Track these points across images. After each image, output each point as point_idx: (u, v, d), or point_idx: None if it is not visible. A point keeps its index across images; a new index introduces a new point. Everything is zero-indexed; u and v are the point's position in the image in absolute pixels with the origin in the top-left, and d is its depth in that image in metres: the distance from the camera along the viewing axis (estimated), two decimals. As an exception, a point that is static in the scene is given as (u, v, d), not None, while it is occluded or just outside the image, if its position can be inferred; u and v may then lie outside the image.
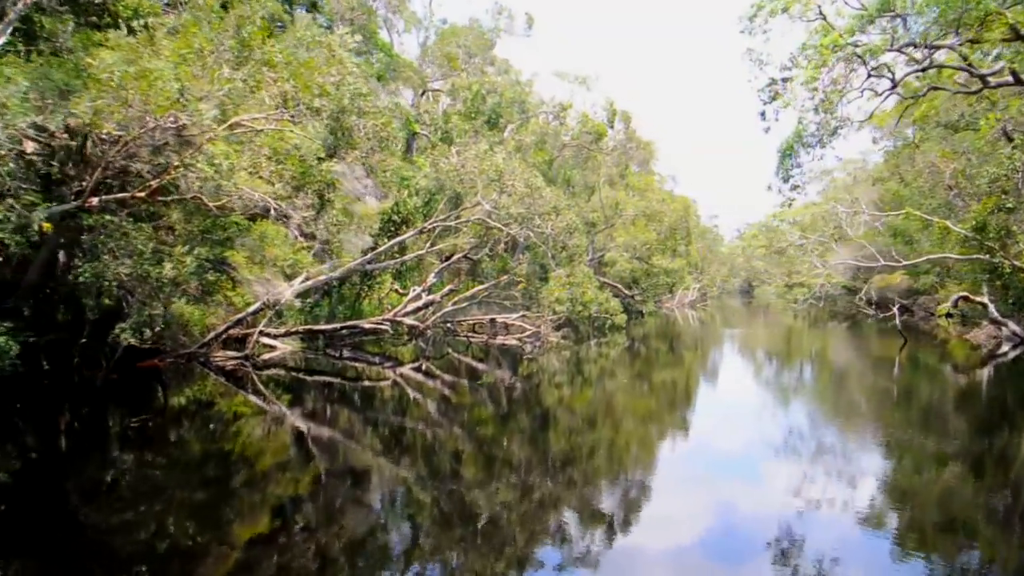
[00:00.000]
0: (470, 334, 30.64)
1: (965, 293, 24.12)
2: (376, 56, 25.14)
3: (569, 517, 7.97)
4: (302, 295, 25.53)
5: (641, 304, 44.38)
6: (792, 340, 34.90)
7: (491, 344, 27.08)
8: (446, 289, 24.66)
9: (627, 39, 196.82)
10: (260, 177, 14.01)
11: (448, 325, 29.38)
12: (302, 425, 12.64)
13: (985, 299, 23.81)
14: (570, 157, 36.17)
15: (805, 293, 54.39)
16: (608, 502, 8.37)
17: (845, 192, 73.49)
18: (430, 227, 21.12)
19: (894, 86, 15.47)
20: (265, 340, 22.20)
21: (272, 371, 19.30)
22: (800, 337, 37.01)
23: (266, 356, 21.32)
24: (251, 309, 20.28)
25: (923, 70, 15.55)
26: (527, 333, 27.08)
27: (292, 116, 12.78)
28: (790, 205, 19.27)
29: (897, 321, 25.66)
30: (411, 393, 16.78)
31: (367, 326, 21.55)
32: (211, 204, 14.24)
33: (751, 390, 18.09)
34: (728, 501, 8.45)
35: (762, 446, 11.40)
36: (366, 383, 18.59)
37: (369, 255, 20.86)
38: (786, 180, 17.42)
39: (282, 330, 22.38)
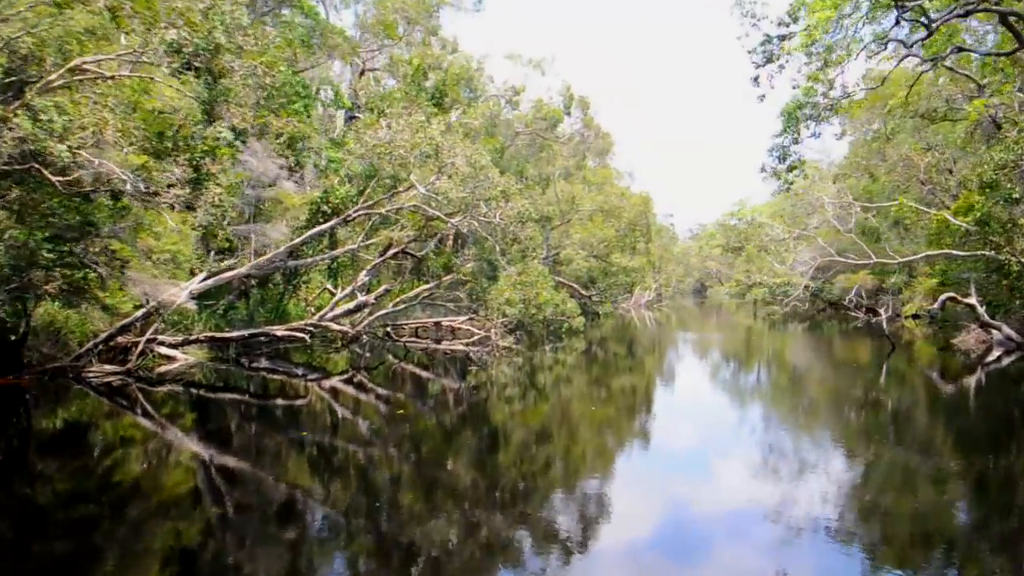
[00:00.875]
0: (413, 339, 27.55)
1: (952, 294, 22.05)
2: (299, 20, 21.77)
3: (520, 550, 6.79)
4: (212, 296, 22.04)
5: (599, 305, 41.81)
6: (759, 345, 32.70)
7: (436, 350, 24.12)
8: (381, 289, 21.45)
9: (582, 33, 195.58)
10: (120, 142, 10.59)
11: (388, 329, 26.22)
12: (202, 452, 10.35)
13: (973, 300, 21.80)
14: (524, 147, 33.36)
15: (765, 293, 52.86)
16: (564, 530, 7.27)
17: (802, 192, 73.00)
18: (356, 216, 17.85)
19: (929, 34, 13.06)
20: (162, 350, 18.71)
21: (169, 387, 16.05)
22: (766, 341, 34.90)
23: (164, 369, 17.97)
24: (138, 314, 16.76)
25: (966, 15, 13.16)
26: (476, 338, 24.12)
27: (149, 59, 9.46)
28: (788, 188, 16.89)
29: (884, 325, 23.50)
30: (339, 411, 14.11)
31: (281, 333, 18.20)
32: (53, 177, 10.78)
33: (730, 412, 15.43)
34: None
35: (752, 482, 8.80)
36: (281, 401, 15.46)
37: (283, 248, 17.51)
38: (783, 159, 14.90)
39: (180, 338, 18.86)
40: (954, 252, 19.60)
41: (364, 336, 24.32)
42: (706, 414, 14.49)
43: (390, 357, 22.89)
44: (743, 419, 14.13)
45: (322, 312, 20.53)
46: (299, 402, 15.53)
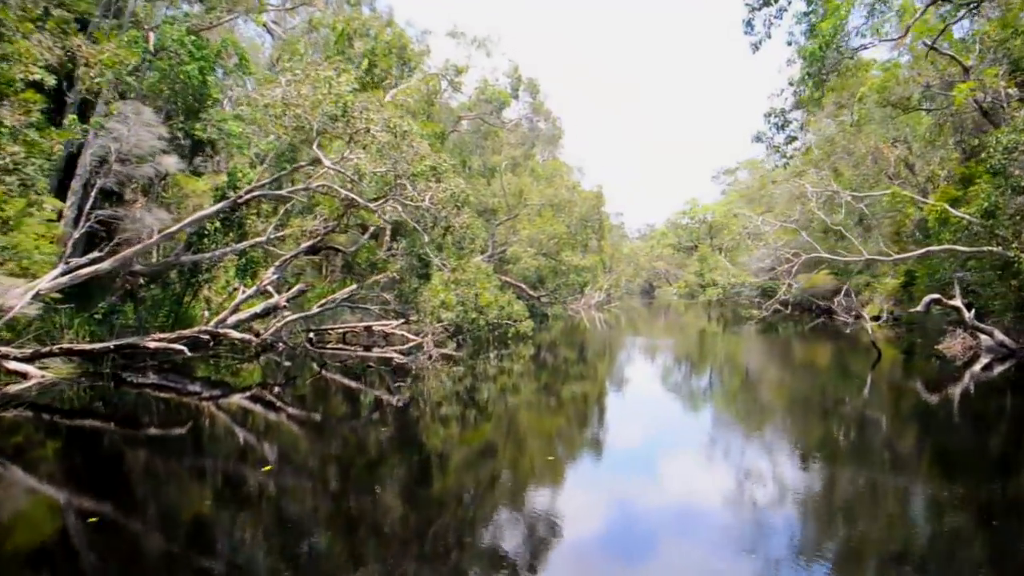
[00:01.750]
0: (340, 346, 24.19)
1: (937, 295, 19.93)
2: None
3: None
4: (88, 298, 18.29)
5: (548, 306, 38.98)
6: (724, 352, 30.38)
7: (367, 359, 20.91)
8: (294, 290, 18.03)
9: (529, 24, 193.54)
10: None
11: (310, 336, 22.83)
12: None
13: (959, 302, 19.74)
14: (468, 136, 30.30)
15: (719, 293, 51.11)
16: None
17: (751, 192, 72.10)
18: (248, 198, 14.43)
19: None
20: (11, 365, 15.06)
21: (15, 412, 12.71)
22: (728, 346, 32.64)
23: (16, 388, 14.47)
24: (-37, 320, 13.12)
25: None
26: (411, 345, 20.93)
27: None
28: (786, 165, 14.43)
29: (869, 328, 21.25)
30: (231, 440, 11.37)
31: (153, 345, 14.63)
32: None
33: (707, 441, 12.66)
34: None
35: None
36: (155, 430, 12.19)
37: (157, 237, 13.97)
38: (782, 127, 12.32)
39: (31, 351, 15.20)
40: (958, 248, 17.41)
41: (281, 344, 20.92)
42: (678, 461, 11.71)
43: (315, 366, 19.75)
44: (734, 469, 11.40)
45: (220, 316, 17.02)
46: (177, 431, 12.24)
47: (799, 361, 24.44)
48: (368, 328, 23.48)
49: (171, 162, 14.73)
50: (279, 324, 17.62)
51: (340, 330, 24.65)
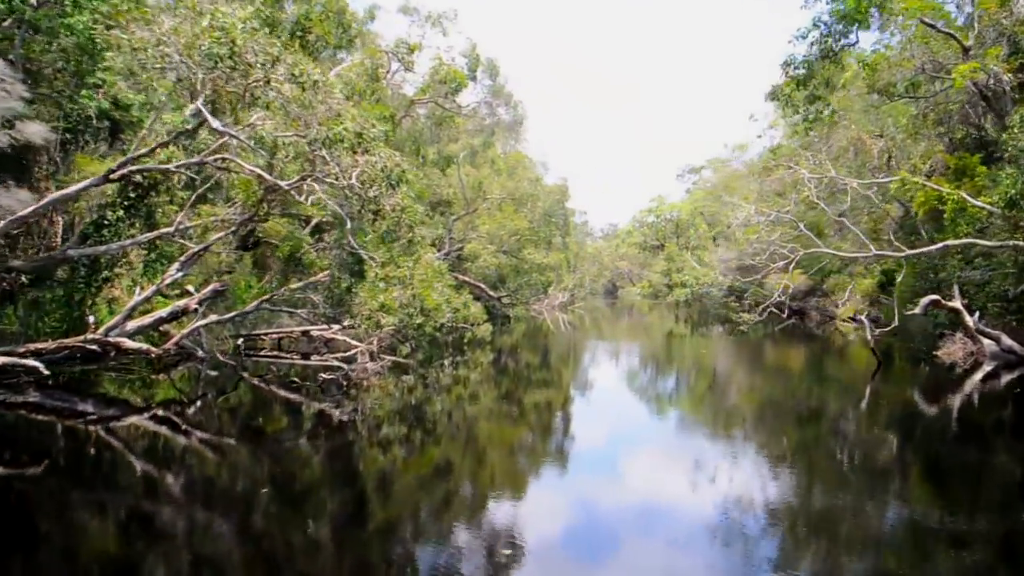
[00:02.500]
0: (276, 354, 21.44)
1: (936, 296, 18.01)
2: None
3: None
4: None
5: (510, 307, 36.50)
6: (694, 355, 28.30)
7: (305, 367, 18.29)
8: (208, 290, 15.20)
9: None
10: None
11: (239, 343, 20.01)
12: None
13: (958, 303, 17.87)
14: (422, 124, 27.62)
15: (687, 293, 49.31)
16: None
17: (717, 190, 70.79)
18: (121, 173, 11.59)
19: None
20: None
21: None
22: (702, 350, 30.61)
23: None
24: None
25: None
26: (355, 351, 18.28)
27: None
28: (808, 130, 12.18)
29: (869, 333, 19.05)
30: (121, 470, 9.44)
31: (2, 361, 11.68)
32: None
33: (700, 490, 10.30)
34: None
35: None
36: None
37: (13, 218, 11.05)
38: (802, 83, 10.02)
39: None
40: (980, 241, 15.48)
41: (202, 352, 18.07)
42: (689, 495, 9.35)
43: (247, 377, 17.00)
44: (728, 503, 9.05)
45: (112, 323, 14.12)
46: (32, 471, 9.67)
47: (784, 369, 22.39)
48: (306, 333, 20.68)
49: (36, 131, 11.79)
50: (187, 331, 14.74)
51: (275, 335, 21.85)
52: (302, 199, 11.56)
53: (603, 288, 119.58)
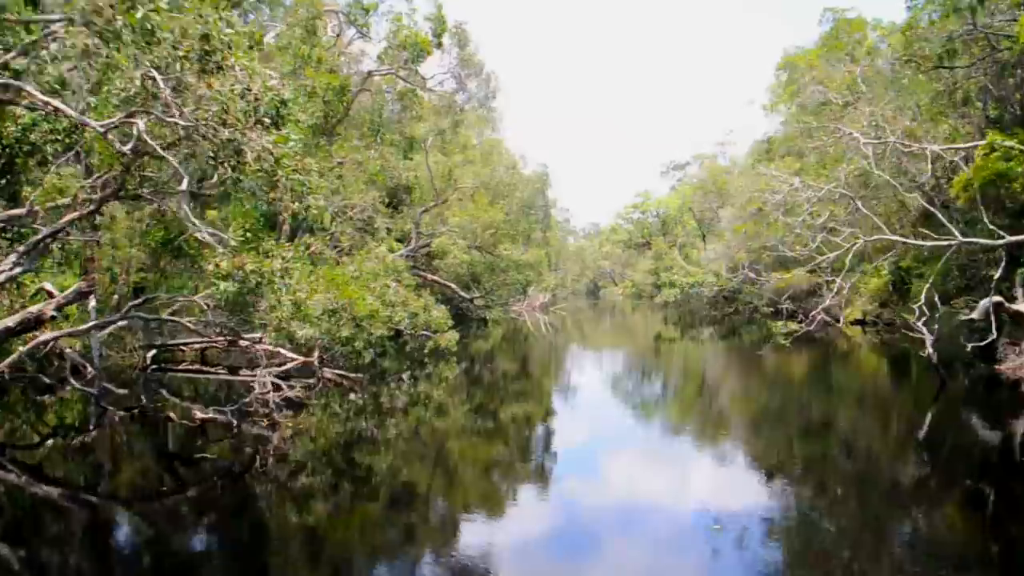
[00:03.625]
0: (199, 368, 17.89)
1: (999, 298, 14.78)
2: None
3: None
4: None
5: (486, 310, 32.95)
6: (694, 365, 24.98)
7: (238, 384, 14.81)
8: (69, 292, 11.51)
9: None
10: None
11: (150, 356, 16.49)
12: None
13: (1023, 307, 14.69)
14: (381, 100, 23.98)
15: (676, 293, 46.14)
16: None
17: (706, 185, 67.79)
18: None
19: None
20: None
21: None
22: (695, 360, 27.28)
23: None
24: None
25: None
26: (293, 364, 14.75)
27: None
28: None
29: (929, 344, 14.77)
30: None
31: None
32: None
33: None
34: None
35: None
36: None
37: None
38: None
39: None
40: None
41: (93, 369, 14.43)
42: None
43: (164, 393, 14.05)
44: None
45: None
46: None
47: (812, 386, 18.97)
48: (232, 343, 17.00)
49: None
50: (32, 345, 11.06)
51: (198, 346, 18.21)
52: (176, 159, 7.92)
53: (585, 288, 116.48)
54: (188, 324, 12.29)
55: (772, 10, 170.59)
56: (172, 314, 13.79)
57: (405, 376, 18.28)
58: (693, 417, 14.74)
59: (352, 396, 15.16)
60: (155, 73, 6.48)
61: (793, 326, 15.29)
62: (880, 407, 15.36)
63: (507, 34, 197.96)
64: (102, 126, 7.09)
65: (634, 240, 70.84)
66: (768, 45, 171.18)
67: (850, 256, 15.80)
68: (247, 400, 12.72)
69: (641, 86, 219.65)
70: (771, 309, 43.12)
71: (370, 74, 23.29)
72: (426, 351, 18.22)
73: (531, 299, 55.67)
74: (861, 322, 32.13)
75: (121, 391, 13.53)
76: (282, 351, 14.98)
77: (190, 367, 18.05)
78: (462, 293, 29.42)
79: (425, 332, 18.26)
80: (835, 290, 15.67)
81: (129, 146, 7.46)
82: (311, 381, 15.53)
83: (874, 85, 26.22)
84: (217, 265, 9.16)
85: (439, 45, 22.04)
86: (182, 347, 18.42)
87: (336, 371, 16.39)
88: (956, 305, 20.84)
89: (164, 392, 14.68)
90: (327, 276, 12.48)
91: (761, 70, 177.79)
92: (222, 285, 9.33)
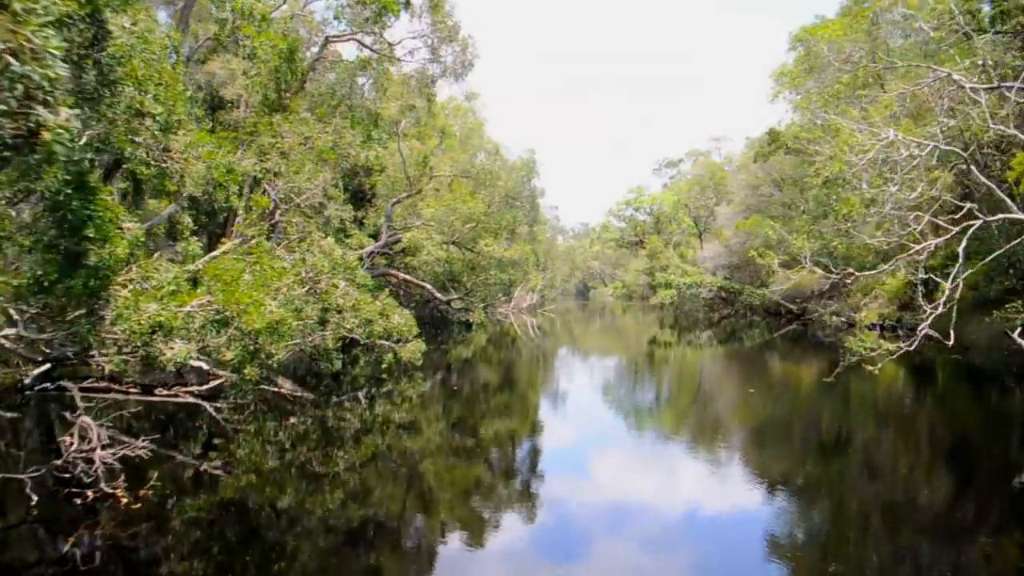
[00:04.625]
0: (109, 386, 14.64)
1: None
2: None
3: None
4: None
5: (466, 312, 29.80)
6: (707, 380, 21.95)
7: (152, 405, 11.70)
8: None
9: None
10: None
11: (45, 369, 13.17)
12: None
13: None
14: (344, 70, 20.73)
15: (673, 294, 43.16)
16: None
17: (700, 180, 64.89)
18: None
19: None
20: None
21: None
22: (703, 368, 24.22)
23: None
24: None
25: None
26: (214, 384, 11.61)
27: None
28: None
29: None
30: None
31: None
32: None
33: None
34: None
35: None
36: None
37: None
38: None
39: None
40: None
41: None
42: None
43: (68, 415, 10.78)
44: None
45: None
46: None
47: (875, 411, 15.91)
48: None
49: None
50: None
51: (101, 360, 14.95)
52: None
53: (575, 289, 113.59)
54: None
55: (767, 9, 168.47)
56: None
57: (362, 394, 15.14)
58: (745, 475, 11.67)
59: (292, 420, 12.08)
60: None
61: (887, 345, 11.58)
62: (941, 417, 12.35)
63: (495, 32, 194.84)
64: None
65: (626, 238, 67.75)
66: (758, 46, 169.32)
67: (965, 242, 12.50)
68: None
69: (631, 87, 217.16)
70: (778, 311, 40.33)
71: (328, 41, 20.07)
72: (384, 365, 15.02)
73: (518, 300, 52.57)
74: (878, 327, 29.22)
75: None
76: (205, 367, 11.79)
77: (98, 384, 14.83)
78: (438, 294, 26.22)
79: (386, 341, 15.10)
80: (946, 293, 12.21)
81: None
82: (245, 401, 12.45)
83: (910, 57, 23.22)
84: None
85: (407, 4, 18.85)
86: (86, 360, 15.23)
87: (284, 387, 13.32)
88: (1010, 309, 18.01)
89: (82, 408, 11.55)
90: (210, 273, 9.25)
91: (753, 70, 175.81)
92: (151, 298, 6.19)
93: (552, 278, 65.68)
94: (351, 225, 29.36)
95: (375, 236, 27.16)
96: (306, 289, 13.29)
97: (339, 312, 13.43)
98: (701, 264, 50.36)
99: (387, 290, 16.68)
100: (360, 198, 31.91)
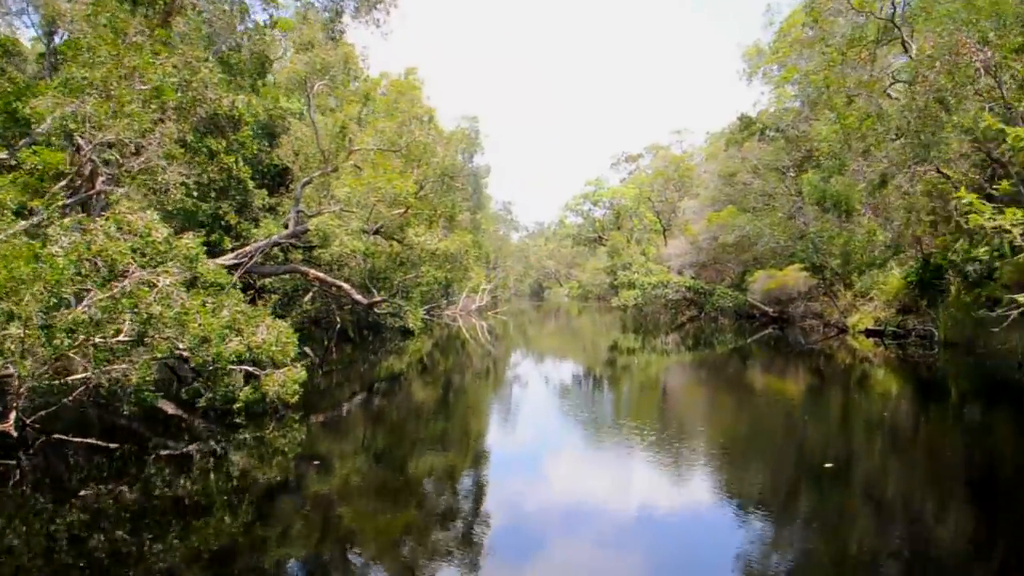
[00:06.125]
0: None
1: None
2: None
3: None
4: None
5: (398, 317, 24.80)
6: (690, 398, 17.41)
7: None
8: None
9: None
10: None
11: None
12: None
13: None
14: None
15: (636, 295, 38.93)
16: None
17: (665, 171, 61.03)
18: None
19: None
20: None
21: None
22: (680, 380, 19.75)
23: None
24: None
25: None
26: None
27: None
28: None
29: None
30: None
31: None
32: None
33: None
34: None
35: None
36: None
37: None
38: None
39: None
40: None
41: None
42: None
43: None
44: None
45: None
46: None
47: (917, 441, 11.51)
48: None
49: None
50: None
51: None
52: None
53: (529, 289, 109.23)
54: None
55: (718, 11, 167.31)
56: None
57: (195, 448, 10.13)
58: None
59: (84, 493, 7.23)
60: None
61: None
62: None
63: (444, 28, 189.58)
64: None
65: (584, 235, 63.39)
66: (712, 47, 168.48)
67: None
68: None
69: (585, 86, 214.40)
70: (751, 314, 36.48)
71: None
72: (237, 406, 10.09)
73: (466, 302, 47.84)
74: (875, 332, 25.35)
75: None
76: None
77: None
78: (357, 296, 21.14)
79: (245, 367, 10.19)
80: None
81: None
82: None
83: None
84: None
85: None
86: None
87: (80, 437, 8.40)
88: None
89: None
90: None
91: (706, 68, 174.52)
92: None
93: (504, 277, 60.94)
94: (263, 213, 24.21)
95: (286, 227, 22.10)
96: (106, 289, 8.33)
97: (151, 323, 8.49)
98: (665, 262, 46.40)
99: (236, 298, 11.68)
100: (274, 181, 26.69)
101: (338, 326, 28.99)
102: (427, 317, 41.64)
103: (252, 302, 26.72)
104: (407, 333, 26.01)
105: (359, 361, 22.42)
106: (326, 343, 25.30)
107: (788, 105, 31.16)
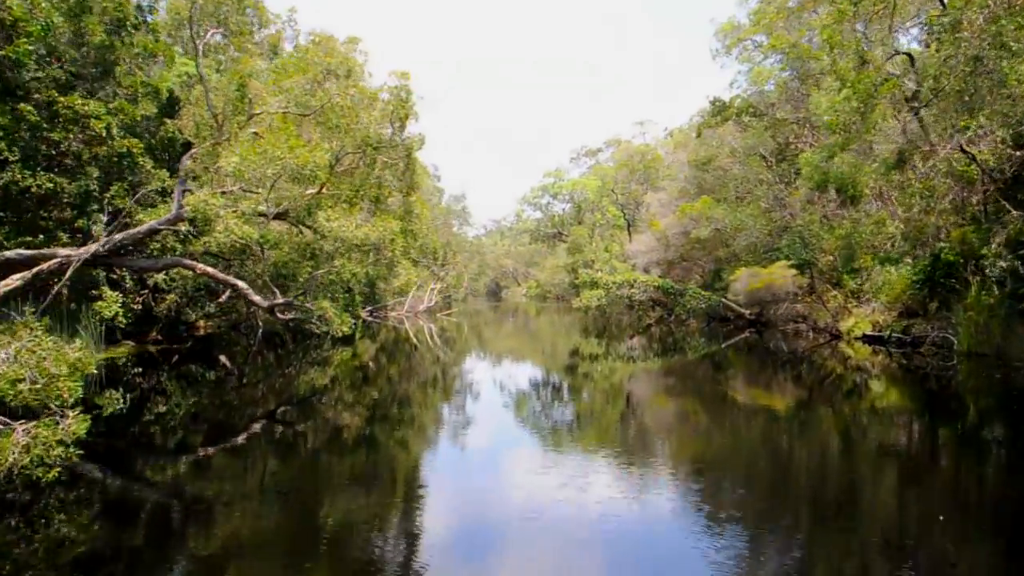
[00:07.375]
0: None
1: None
2: None
3: None
4: None
5: (318, 322, 20.45)
6: (671, 418, 13.52)
7: None
8: None
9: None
10: None
11: None
12: None
13: None
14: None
15: (600, 296, 35.26)
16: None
17: (630, 162, 57.72)
18: None
19: None
20: None
21: None
22: (659, 396, 15.91)
23: None
24: None
25: None
26: None
27: None
28: None
29: None
30: None
31: None
32: None
33: None
34: None
35: None
36: None
37: None
38: None
39: None
40: None
41: None
42: None
43: None
44: None
45: None
46: None
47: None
48: None
49: None
50: None
51: None
52: None
53: (486, 288, 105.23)
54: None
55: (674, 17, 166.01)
56: None
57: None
58: None
59: None
60: None
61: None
62: None
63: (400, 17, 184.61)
64: None
65: (543, 231, 59.64)
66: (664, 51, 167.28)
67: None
68: None
69: (542, 85, 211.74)
70: (726, 316, 33.20)
71: None
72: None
73: (414, 302, 43.77)
74: (874, 338, 22.06)
75: None
76: None
77: None
78: (255, 297, 16.76)
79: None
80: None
81: None
82: None
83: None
84: None
85: None
86: None
87: None
88: None
89: None
90: None
91: (662, 65, 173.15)
92: None
93: (458, 276, 56.76)
94: (156, 196, 19.69)
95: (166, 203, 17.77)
96: None
97: None
98: (630, 260, 43.01)
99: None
100: (177, 159, 22.11)
101: (260, 331, 24.77)
102: (371, 319, 37.34)
103: (146, 304, 22.28)
104: (347, 338, 22.04)
105: (281, 372, 18.59)
106: (250, 350, 21.56)
107: (771, 83, 27.85)
